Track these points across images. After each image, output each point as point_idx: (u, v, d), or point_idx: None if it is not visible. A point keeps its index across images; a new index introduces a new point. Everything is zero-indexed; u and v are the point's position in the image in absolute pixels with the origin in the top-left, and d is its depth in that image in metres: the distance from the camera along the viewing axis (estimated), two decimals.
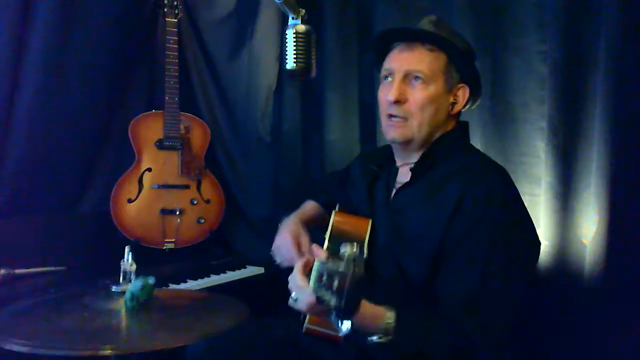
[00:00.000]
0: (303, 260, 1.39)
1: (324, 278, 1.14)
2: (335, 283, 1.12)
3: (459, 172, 1.50)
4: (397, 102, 1.53)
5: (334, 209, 1.72)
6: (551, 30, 2.02)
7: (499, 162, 1.86)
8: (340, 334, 1.22)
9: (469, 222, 1.41)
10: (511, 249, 1.42)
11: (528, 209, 1.52)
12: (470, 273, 1.39)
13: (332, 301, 1.11)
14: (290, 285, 1.37)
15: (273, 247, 1.71)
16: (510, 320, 1.42)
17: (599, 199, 1.85)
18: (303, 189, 2.82)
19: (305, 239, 1.66)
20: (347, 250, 1.17)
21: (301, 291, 1.32)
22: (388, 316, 1.33)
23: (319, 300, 1.15)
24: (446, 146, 1.57)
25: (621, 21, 1.79)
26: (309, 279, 1.23)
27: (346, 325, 1.19)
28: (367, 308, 1.31)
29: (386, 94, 1.56)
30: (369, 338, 1.33)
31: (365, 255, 1.26)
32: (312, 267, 1.26)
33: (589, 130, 1.94)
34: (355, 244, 1.19)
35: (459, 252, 1.42)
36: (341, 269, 1.13)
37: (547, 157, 2.03)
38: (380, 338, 1.32)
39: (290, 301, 1.35)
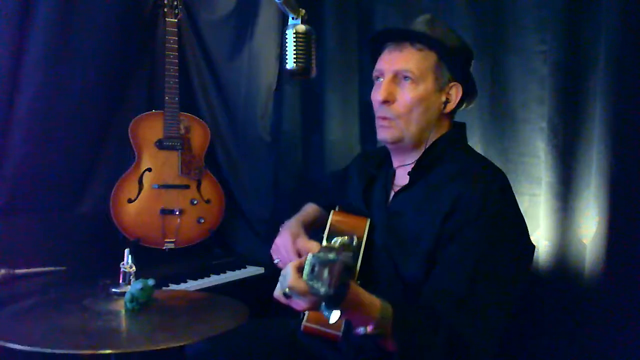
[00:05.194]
0: (296, 264, 1.29)
1: (316, 269, 1.14)
2: (326, 272, 1.12)
3: (457, 175, 1.50)
4: (386, 102, 1.54)
5: (333, 210, 1.72)
6: (551, 31, 2.02)
7: (499, 162, 1.86)
8: (329, 322, 1.21)
9: (462, 223, 1.41)
10: (503, 252, 1.41)
11: (528, 209, 1.52)
12: (461, 273, 1.38)
13: (322, 290, 1.11)
14: (284, 287, 1.27)
15: (272, 248, 1.72)
16: (501, 321, 1.41)
17: (599, 199, 1.85)
18: (303, 189, 2.82)
19: (304, 240, 1.66)
20: (337, 240, 1.18)
21: (297, 291, 1.25)
22: (385, 307, 1.30)
23: (312, 291, 1.15)
24: (443, 149, 1.57)
25: (621, 21, 1.80)
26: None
27: (335, 315, 1.18)
28: (366, 296, 1.29)
29: (376, 95, 1.58)
30: (359, 329, 1.29)
31: (355, 243, 1.25)
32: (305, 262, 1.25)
33: (589, 130, 1.94)
34: (346, 236, 1.20)
35: (450, 251, 1.41)
36: (331, 257, 1.13)
37: (547, 157, 2.03)
38: (373, 329, 1.28)
39: (277, 293, 1.30)
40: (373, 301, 1.30)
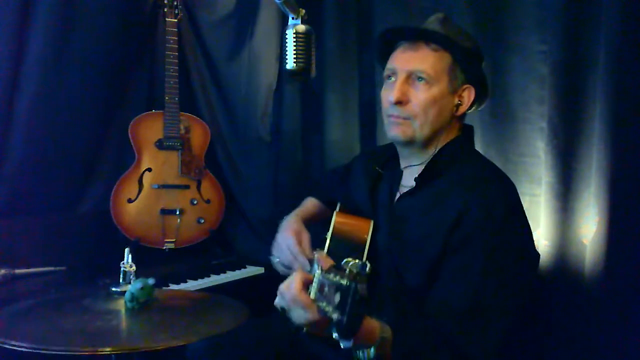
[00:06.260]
0: (301, 276, 1.28)
1: (326, 289, 1.11)
2: (337, 297, 1.08)
3: (463, 183, 1.47)
4: (399, 102, 1.51)
5: (336, 208, 1.71)
6: (551, 30, 2.02)
7: (499, 163, 1.85)
8: (342, 347, 1.20)
9: (467, 234, 1.39)
10: (507, 266, 1.40)
11: (528, 209, 1.51)
12: (465, 287, 1.37)
13: (334, 315, 1.08)
14: (286, 300, 1.27)
15: (273, 245, 1.71)
16: (505, 335, 1.39)
17: (599, 199, 1.84)
18: (303, 188, 2.81)
19: (306, 237, 1.66)
20: (349, 264, 1.14)
21: (300, 305, 1.24)
22: (384, 330, 1.30)
23: (320, 310, 1.13)
24: (451, 154, 1.54)
25: (621, 21, 1.79)
26: (308, 293, 1.21)
27: (347, 344, 1.15)
28: (366, 322, 1.27)
29: (388, 94, 1.54)
30: (359, 352, 1.29)
31: (368, 270, 1.23)
32: (312, 280, 1.23)
33: (589, 130, 1.94)
34: (357, 260, 1.17)
35: (455, 263, 1.40)
36: (343, 283, 1.08)
37: (547, 157, 2.02)
38: (374, 353, 1.29)
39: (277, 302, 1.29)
40: (373, 324, 1.29)
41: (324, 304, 1.11)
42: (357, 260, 1.16)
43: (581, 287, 1.93)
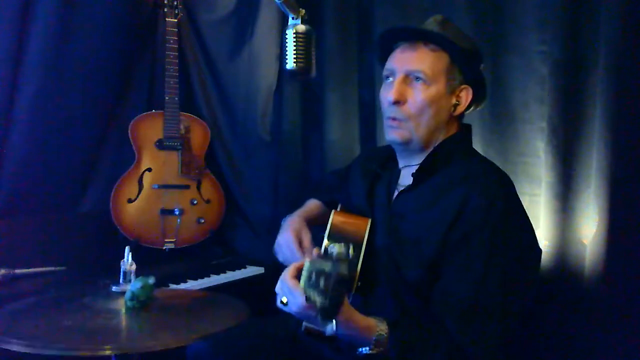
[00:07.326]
0: (294, 265, 1.37)
1: (313, 277, 1.16)
2: (322, 282, 1.13)
3: (461, 179, 1.48)
4: (397, 102, 1.51)
5: (335, 209, 1.72)
6: (551, 31, 2.02)
7: (498, 162, 1.85)
8: (326, 334, 1.24)
9: (467, 230, 1.40)
10: (509, 261, 1.40)
11: (528, 209, 1.52)
12: (466, 285, 1.38)
13: (318, 300, 1.13)
14: (280, 288, 1.37)
15: (275, 245, 1.72)
16: (506, 333, 1.40)
17: (599, 199, 1.84)
18: (303, 188, 2.82)
19: (307, 237, 1.66)
20: (335, 250, 1.19)
21: (291, 294, 1.32)
22: (380, 328, 1.32)
23: (308, 299, 1.17)
24: (448, 151, 1.55)
25: (621, 21, 1.79)
26: (299, 282, 1.25)
27: (331, 326, 1.21)
28: (360, 319, 1.32)
29: (386, 94, 1.54)
30: (360, 349, 1.33)
31: (350, 253, 1.27)
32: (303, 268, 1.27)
33: (589, 130, 1.94)
34: (343, 244, 1.21)
35: (456, 260, 1.40)
36: (327, 269, 1.14)
37: (547, 157, 2.03)
38: (371, 350, 1.32)
39: (279, 304, 1.35)
40: (368, 322, 1.33)
41: (310, 291, 1.16)
42: (341, 245, 1.21)
43: (581, 287, 1.93)
